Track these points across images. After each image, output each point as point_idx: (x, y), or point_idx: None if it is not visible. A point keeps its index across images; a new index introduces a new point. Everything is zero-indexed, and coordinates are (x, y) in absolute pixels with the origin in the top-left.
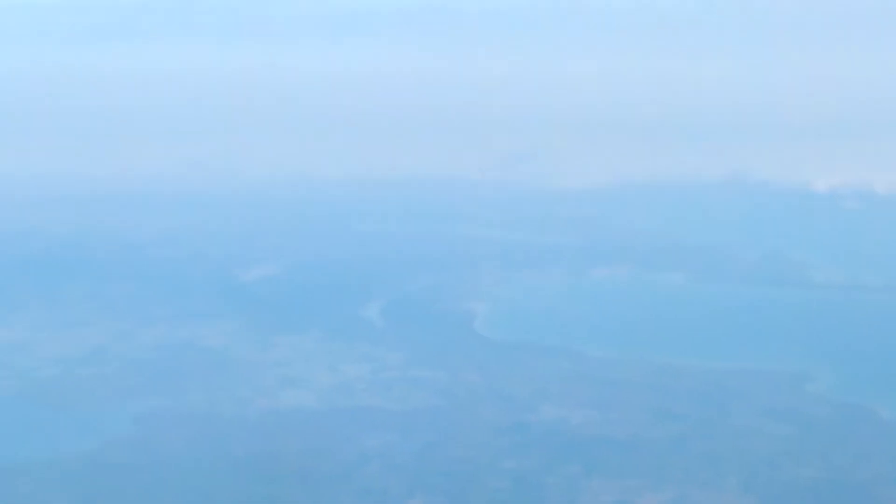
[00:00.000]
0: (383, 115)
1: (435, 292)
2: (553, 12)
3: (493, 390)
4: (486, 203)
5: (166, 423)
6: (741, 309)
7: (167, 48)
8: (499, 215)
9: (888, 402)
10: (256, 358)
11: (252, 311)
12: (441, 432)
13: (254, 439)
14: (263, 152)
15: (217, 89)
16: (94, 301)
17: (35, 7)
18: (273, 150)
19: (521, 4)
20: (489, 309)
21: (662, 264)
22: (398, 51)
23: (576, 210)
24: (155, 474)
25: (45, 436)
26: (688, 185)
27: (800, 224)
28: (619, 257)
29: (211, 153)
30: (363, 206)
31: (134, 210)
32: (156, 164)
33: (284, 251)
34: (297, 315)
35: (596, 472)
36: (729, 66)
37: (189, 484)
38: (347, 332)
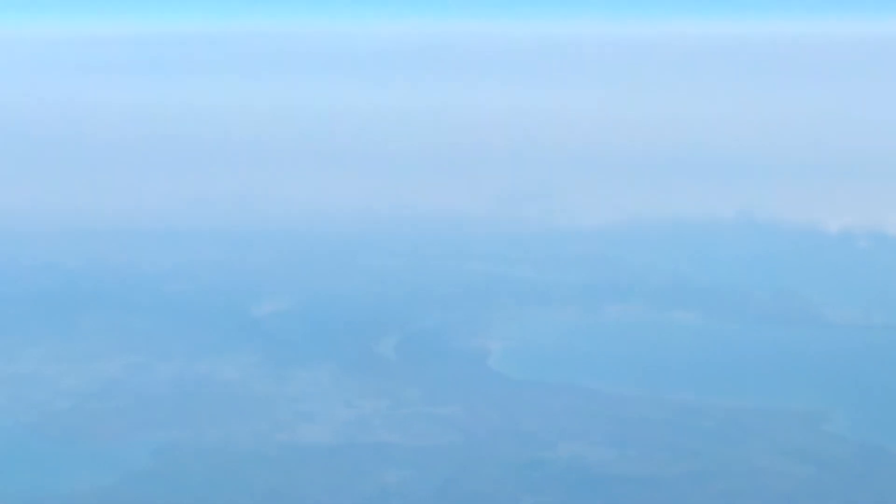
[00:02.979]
0: (394, 150)
1: (448, 328)
2: (561, 49)
3: (510, 427)
4: (496, 240)
5: (184, 457)
6: (755, 348)
7: (182, 83)
8: (510, 252)
9: None
10: (272, 392)
11: (267, 345)
12: (459, 469)
13: (272, 474)
14: (276, 188)
15: (230, 125)
16: (108, 334)
17: (53, 40)
18: (286, 186)
19: (531, 42)
20: (503, 346)
21: (675, 302)
22: (409, 87)
23: (586, 248)
24: None
25: (62, 470)
26: (698, 223)
27: (812, 263)
28: (632, 295)
29: (224, 188)
30: (374, 241)
31: (148, 244)
32: (169, 198)
33: (298, 286)
34: (311, 350)
35: None
36: (739, 104)
37: None
38: (362, 367)
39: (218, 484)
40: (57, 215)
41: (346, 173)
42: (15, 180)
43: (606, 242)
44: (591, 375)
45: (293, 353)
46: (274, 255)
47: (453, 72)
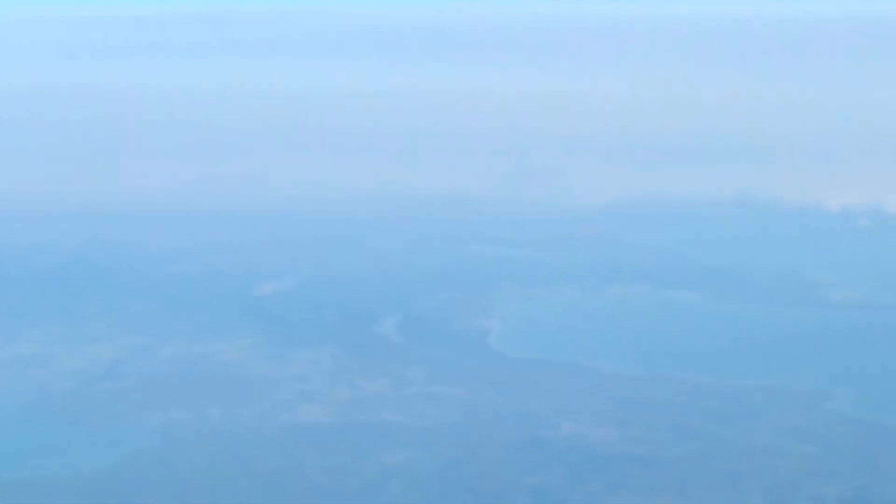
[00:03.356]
0: (395, 132)
1: (450, 309)
2: (562, 31)
3: (512, 407)
4: (497, 221)
5: (186, 437)
6: (757, 327)
7: (184, 64)
8: (510, 233)
9: None
10: (274, 373)
11: (268, 326)
12: (462, 448)
13: (275, 455)
14: (278, 169)
15: (232, 105)
16: (110, 316)
17: (52, 21)
18: (287, 167)
19: (532, 23)
20: (504, 326)
21: (677, 282)
22: (411, 68)
23: (588, 228)
24: (177, 489)
25: (65, 450)
26: (699, 203)
27: (813, 243)
28: (633, 275)
29: (225, 169)
30: (376, 222)
31: (149, 226)
32: (170, 180)
33: (298, 267)
34: (312, 330)
35: (619, 489)
36: (740, 85)
37: (211, 499)
38: (364, 347)
39: (220, 464)
40: (56, 197)
41: (347, 155)
42: (14, 162)
43: (608, 223)
44: (592, 355)
45: (294, 334)
46: (275, 237)
47: (453, 53)
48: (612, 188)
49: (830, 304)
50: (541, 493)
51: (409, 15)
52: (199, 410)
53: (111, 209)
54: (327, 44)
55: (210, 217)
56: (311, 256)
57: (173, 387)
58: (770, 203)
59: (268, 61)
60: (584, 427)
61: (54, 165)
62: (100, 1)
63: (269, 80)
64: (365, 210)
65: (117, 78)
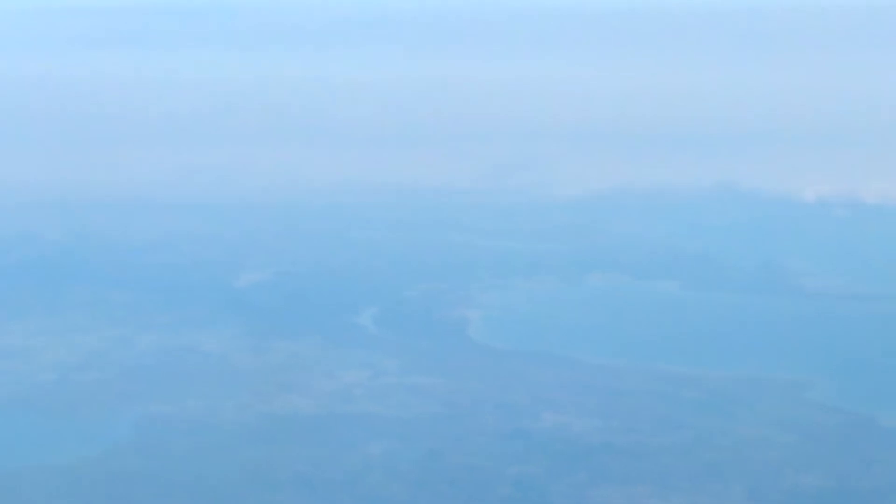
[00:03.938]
0: (376, 122)
1: (429, 299)
2: (543, 20)
3: (493, 397)
4: (478, 211)
5: (167, 429)
6: (737, 317)
7: (167, 55)
8: (491, 223)
9: (888, 411)
10: (254, 364)
11: (248, 317)
12: (443, 439)
13: (255, 445)
14: (257, 159)
15: (214, 97)
16: (90, 307)
17: (35, 11)
18: (267, 158)
19: (516, 13)
20: (484, 316)
21: (657, 272)
22: (391, 58)
23: (568, 218)
24: (158, 481)
25: (46, 442)
26: (678, 193)
27: (791, 233)
28: (613, 265)
29: (206, 160)
30: (356, 213)
31: (129, 216)
32: (151, 171)
33: (278, 258)
34: (292, 321)
35: (601, 480)
36: (719, 76)
37: (192, 490)
38: (343, 338)
39: (201, 456)
40: (35, 187)
41: (331, 145)
42: None
43: (589, 213)
44: (574, 345)
45: (274, 325)
46: (257, 227)
47: (440, 44)
48: (594, 178)
49: (810, 293)
50: (523, 483)
51: (396, 6)
52: (181, 401)
53: (93, 200)
54: (314, 35)
55: (192, 208)
56: (293, 247)
57: (154, 378)
58: (750, 192)
59: (255, 52)
60: (566, 417)
61: (35, 156)
62: None
63: (256, 70)
64: (347, 200)
65: (101, 68)
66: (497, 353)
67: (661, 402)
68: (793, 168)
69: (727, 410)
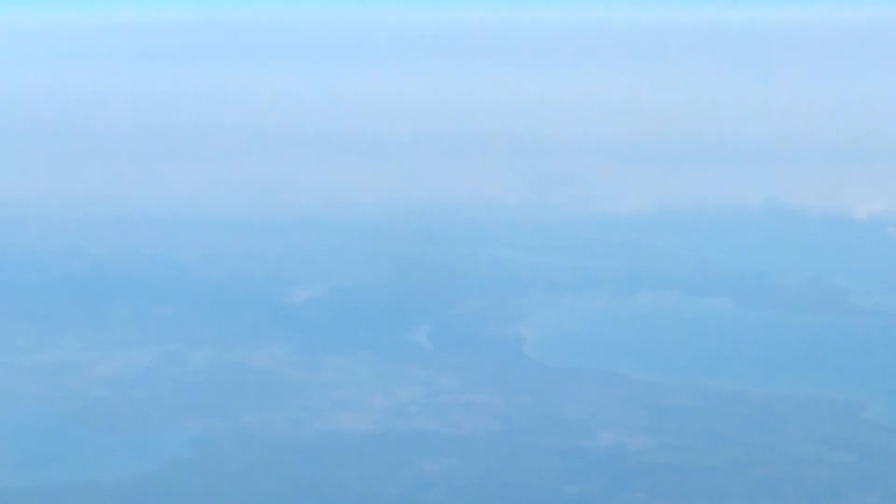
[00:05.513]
0: (419, 138)
1: (481, 316)
2: (586, 35)
3: (548, 415)
4: (524, 227)
5: (222, 445)
6: (788, 334)
7: (210, 70)
8: (538, 239)
9: None
10: (307, 380)
11: (300, 333)
12: (500, 457)
13: (311, 462)
14: (304, 175)
15: (257, 111)
16: (140, 322)
17: (78, 28)
18: (313, 173)
19: (554, 28)
20: (537, 333)
21: (706, 289)
22: (433, 74)
23: (615, 234)
24: (211, 497)
25: (101, 458)
26: (725, 210)
27: (841, 250)
28: (663, 282)
29: (252, 176)
30: (403, 228)
31: (175, 232)
32: (196, 187)
33: (328, 273)
34: (345, 337)
35: (659, 498)
36: (760, 90)
37: None
38: (397, 354)
39: (255, 472)
40: (80, 203)
41: (373, 161)
42: (38, 169)
43: (635, 229)
44: (626, 362)
45: (327, 341)
46: (302, 243)
47: (472, 58)
48: (639, 193)
49: (860, 311)
50: (581, 502)
51: (419, 20)
52: (235, 418)
53: (136, 215)
54: (357, 51)
55: (235, 224)
56: (340, 263)
57: (207, 394)
58: (799, 209)
59: (297, 67)
60: (622, 435)
61: (74, 172)
62: (119, 7)
63: (299, 85)
64: (390, 216)
65: (138, 84)
66: (550, 370)
67: (716, 419)
68: (838, 184)
69: (779, 428)
